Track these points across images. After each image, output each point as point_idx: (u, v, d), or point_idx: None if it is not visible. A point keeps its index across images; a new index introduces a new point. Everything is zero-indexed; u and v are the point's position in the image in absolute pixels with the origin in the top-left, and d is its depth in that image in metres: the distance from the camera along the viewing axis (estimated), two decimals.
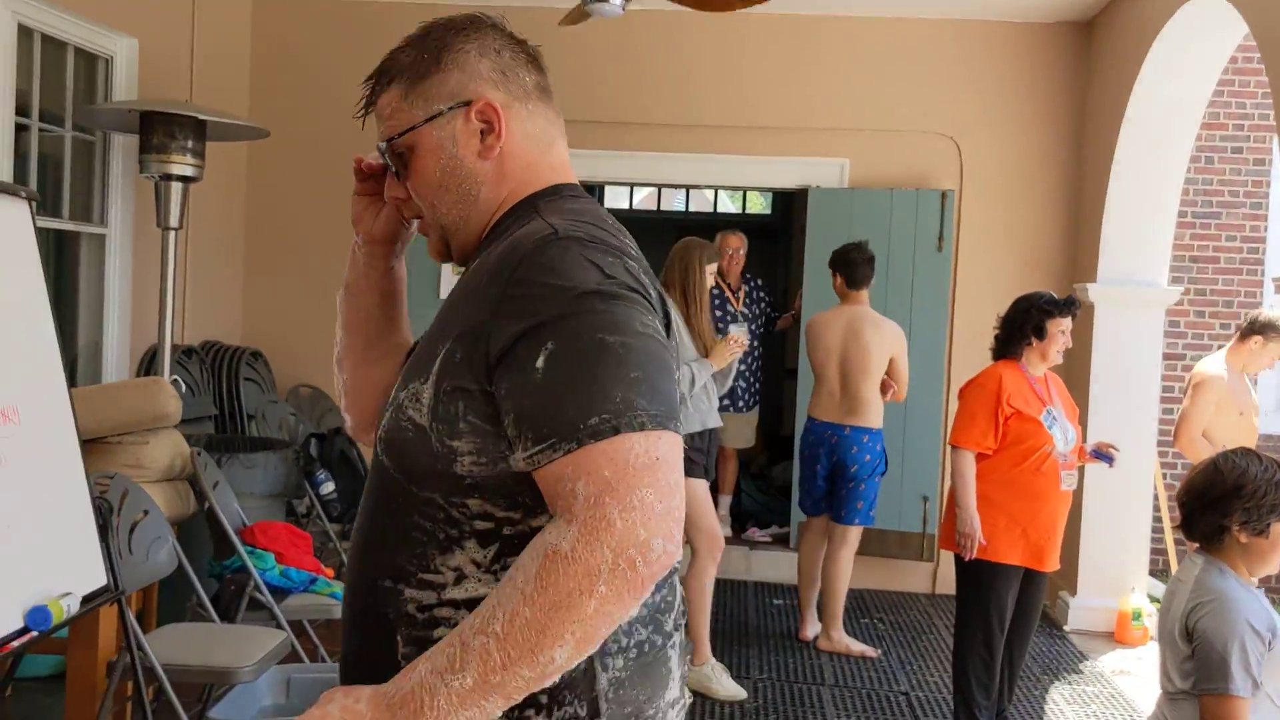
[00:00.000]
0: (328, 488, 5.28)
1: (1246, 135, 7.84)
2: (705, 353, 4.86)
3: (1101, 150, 6.26)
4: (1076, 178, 6.68)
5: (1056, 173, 6.72)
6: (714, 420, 4.89)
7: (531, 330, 1.29)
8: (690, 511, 4.86)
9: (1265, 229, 7.88)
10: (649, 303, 1.38)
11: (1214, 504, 2.54)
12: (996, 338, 4.55)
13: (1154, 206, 6.16)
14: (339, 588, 4.63)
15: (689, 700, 1.54)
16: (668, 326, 1.45)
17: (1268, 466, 2.54)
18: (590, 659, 1.31)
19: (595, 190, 12.00)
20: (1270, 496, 2.51)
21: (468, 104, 1.48)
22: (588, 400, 1.25)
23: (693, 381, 4.77)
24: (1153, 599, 6.19)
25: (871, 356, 5.48)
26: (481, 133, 1.49)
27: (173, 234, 5.29)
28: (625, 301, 1.33)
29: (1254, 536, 2.53)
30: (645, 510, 1.22)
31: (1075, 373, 6.43)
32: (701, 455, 4.85)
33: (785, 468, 7.51)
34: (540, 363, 1.28)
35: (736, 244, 7.17)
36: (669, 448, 1.27)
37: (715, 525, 4.92)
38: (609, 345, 1.28)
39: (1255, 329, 5.42)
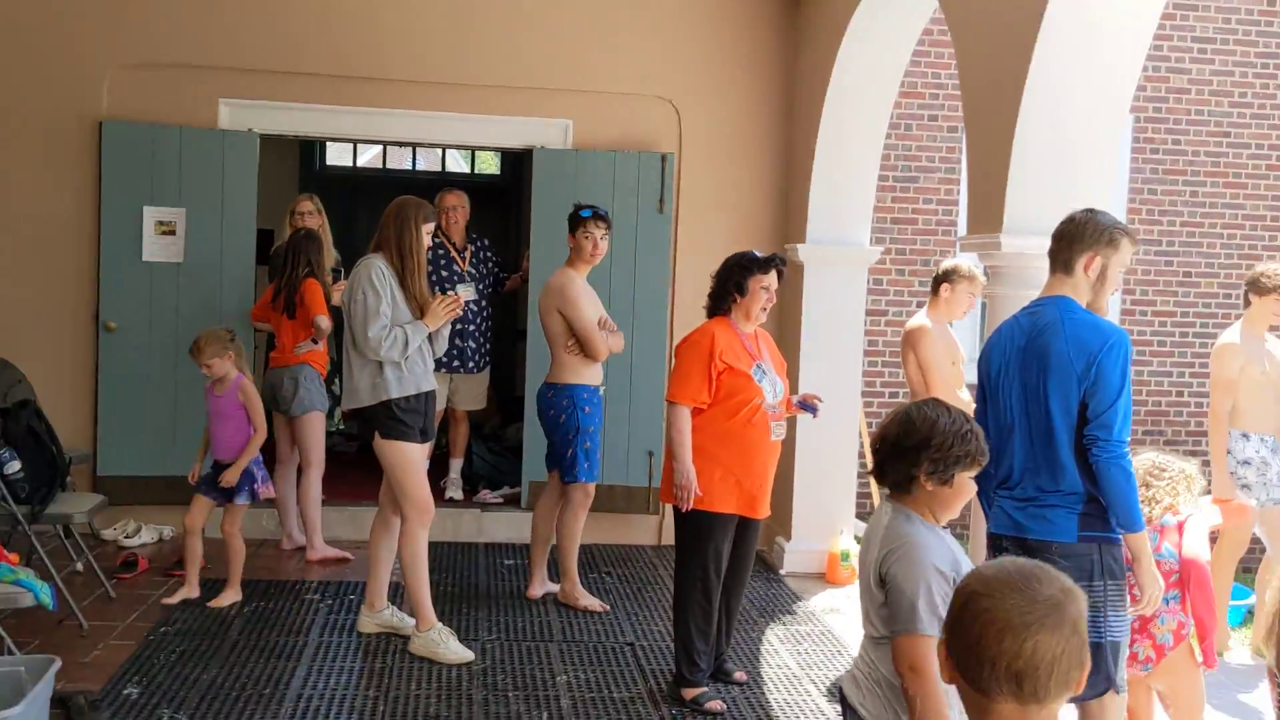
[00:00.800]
0: (13, 467, 4.86)
1: (941, 104, 8.39)
2: (422, 314, 4.77)
3: (809, 116, 6.55)
4: (787, 143, 6.97)
5: (769, 137, 6.99)
6: (429, 383, 4.82)
7: None
8: (399, 476, 4.79)
9: (958, 192, 8.49)
10: None
11: (904, 453, 2.64)
12: (709, 296, 4.70)
13: (857, 171, 6.52)
14: (27, 574, 4.29)
15: None
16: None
17: (956, 419, 2.66)
18: None
19: (316, 147, 11.56)
20: (956, 448, 2.62)
21: None
22: None
23: (406, 344, 4.68)
24: (859, 540, 6.60)
25: (543, 317, 5.59)
26: None
27: None
28: None
29: (940, 485, 2.63)
30: None
31: (788, 328, 6.74)
32: (418, 418, 4.78)
33: (518, 429, 7.52)
34: None
35: (455, 202, 7.07)
36: None
37: (425, 492, 4.85)
38: None
39: (940, 280, 5.81)
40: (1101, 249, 3.44)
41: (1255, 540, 5.99)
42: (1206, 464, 5.96)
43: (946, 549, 2.63)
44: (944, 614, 2.50)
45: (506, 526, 6.93)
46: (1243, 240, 8.48)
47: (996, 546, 3.50)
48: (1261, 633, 2.77)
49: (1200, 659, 3.63)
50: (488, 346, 7.28)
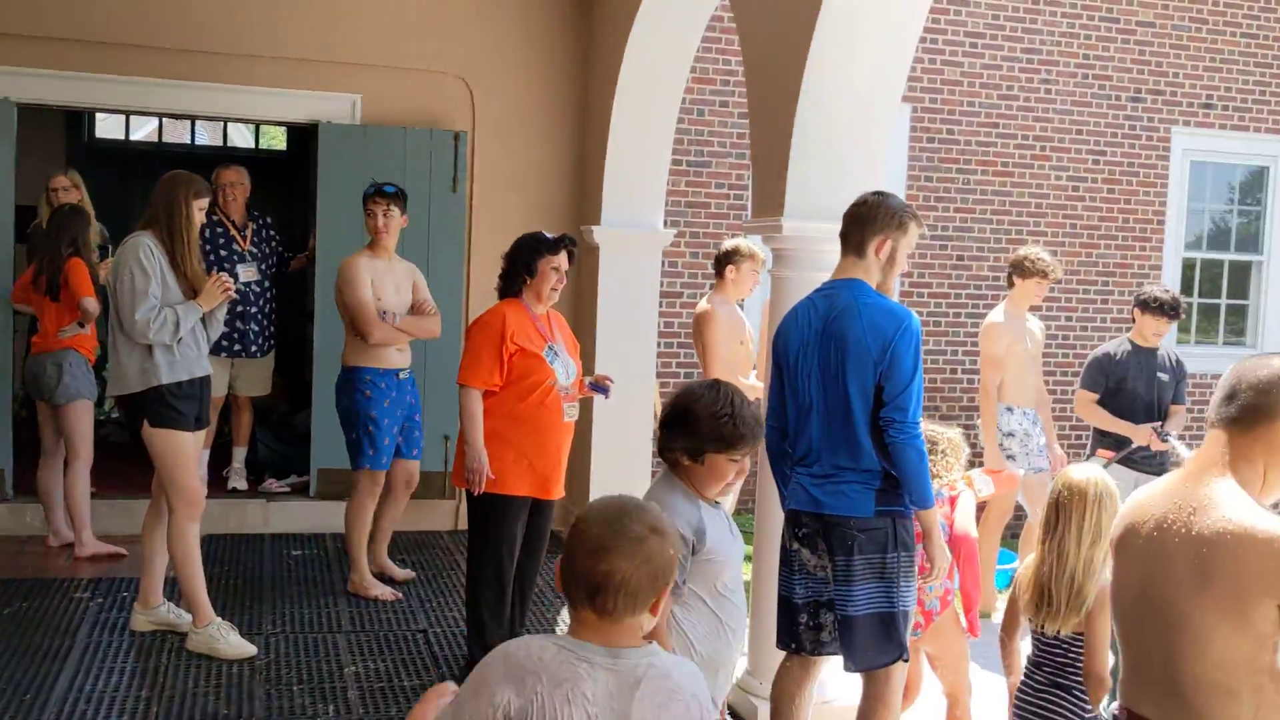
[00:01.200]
0: None
1: (733, 90, 8.54)
2: (195, 295, 4.53)
3: (603, 98, 6.57)
4: (583, 124, 6.96)
5: (565, 118, 6.97)
6: (203, 368, 4.58)
7: None
8: (169, 466, 4.54)
9: (747, 177, 8.68)
10: None
11: (666, 429, 2.72)
12: (500, 277, 4.65)
13: (650, 154, 6.57)
14: None
15: None
16: None
17: (719, 401, 2.70)
18: None
19: (84, 118, 10.85)
20: (708, 428, 2.68)
21: None
22: None
23: (177, 326, 4.43)
24: None
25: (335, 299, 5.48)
26: None
27: None
28: None
29: (692, 463, 2.71)
30: None
31: (584, 310, 6.76)
32: (192, 404, 4.54)
33: (308, 415, 7.27)
34: None
35: (233, 178, 6.76)
36: None
37: (195, 483, 4.62)
38: None
39: (723, 262, 5.92)
40: (892, 232, 3.55)
41: (1019, 507, 6.40)
42: (976, 435, 6.32)
43: (696, 515, 2.70)
44: (681, 577, 2.63)
45: (293, 516, 6.70)
46: (1010, 225, 8.99)
47: (795, 522, 3.59)
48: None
49: (966, 627, 3.84)
50: (272, 329, 7.01)
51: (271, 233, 7.01)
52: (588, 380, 4.85)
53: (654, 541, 1.87)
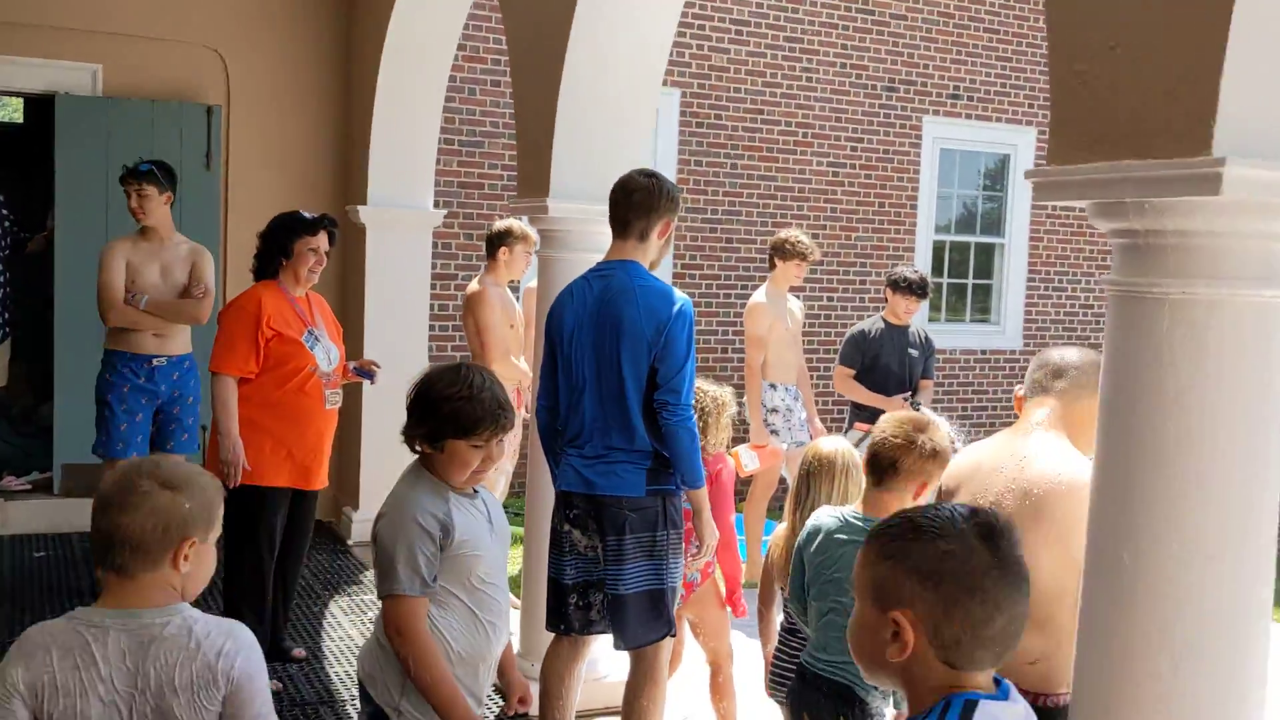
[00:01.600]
0: None
1: (504, 69, 8.43)
2: None
3: (367, 75, 6.38)
4: (346, 100, 6.75)
5: (327, 94, 6.73)
6: None
7: None
8: None
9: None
10: None
11: (408, 414, 2.57)
12: (255, 258, 4.45)
13: (417, 132, 6.44)
14: None
15: None
16: None
17: (457, 383, 2.51)
18: None
19: None
20: (446, 412, 2.48)
21: None
22: None
23: None
24: None
25: None
26: None
27: None
28: None
29: (434, 450, 2.52)
30: None
31: (351, 292, 6.57)
32: None
33: (51, 407, 6.78)
34: None
35: None
36: None
37: None
38: None
39: (495, 243, 5.83)
40: (671, 215, 3.58)
41: (783, 480, 6.63)
42: (744, 411, 6.50)
43: (443, 507, 2.51)
44: (428, 574, 2.47)
45: (35, 515, 6.25)
46: (775, 209, 9.29)
47: (566, 504, 3.57)
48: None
49: (726, 601, 3.95)
50: (8, 315, 6.49)
51: (4, 211, 6.48)
52: (352, 365, 4.71)
53: (162, 496, 1.89)
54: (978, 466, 2.68)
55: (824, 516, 2.96)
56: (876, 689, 2.76)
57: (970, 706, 1.47)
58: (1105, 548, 2.07)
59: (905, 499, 2.83)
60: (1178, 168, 1.91)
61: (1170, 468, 1.98)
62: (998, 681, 1.54)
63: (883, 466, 2.86)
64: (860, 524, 2.84)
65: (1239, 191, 1.85)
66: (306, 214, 4.43)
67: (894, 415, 3.03)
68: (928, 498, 2.87)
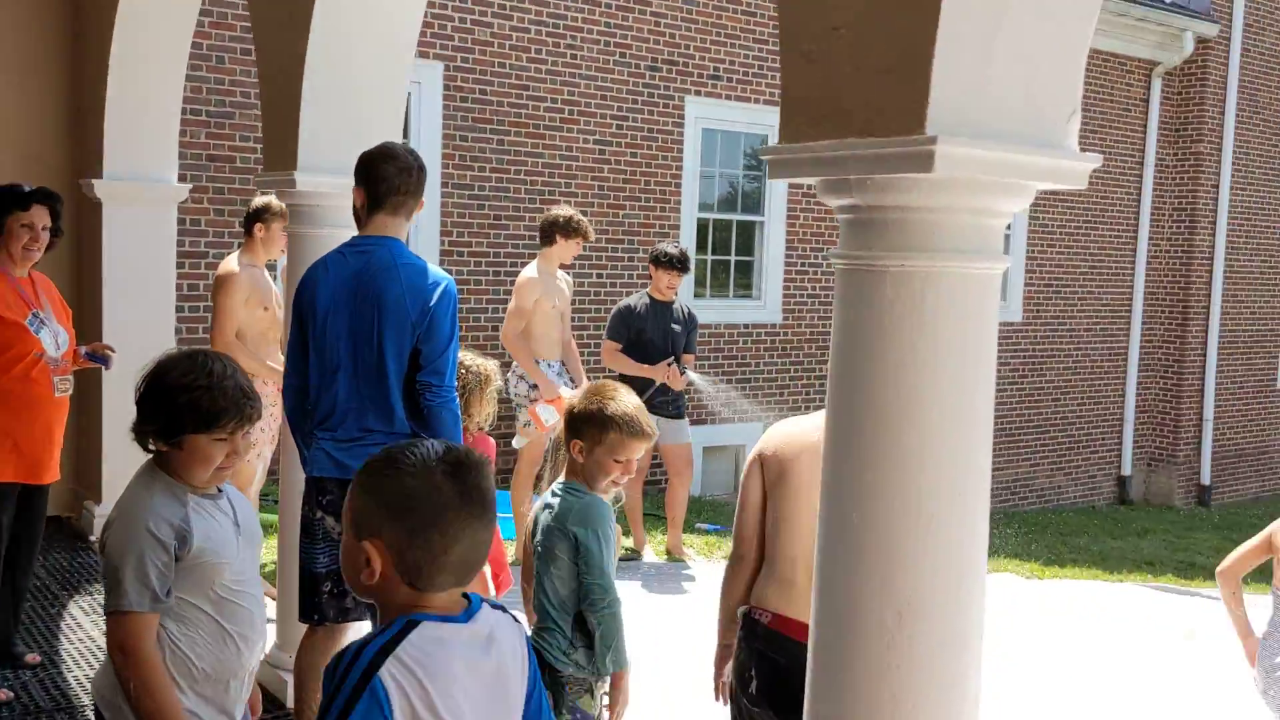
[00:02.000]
0: None
1: (242, 37, 8.08)
2: None
3: (100, 40, 5.95)
4: (77, 68, 6.29)
5: (54, 62, 6.27)
6: None
7: None
8: None
9: None
10: None
11: (138, 407, 2.33)
12: None
13: (157, 102, 6.06)
14: None
15: None
16: None
17: (193, 371, 2.30)
18: None
19: None
20: (183, 403, 2.27)
21: None
22: None
23: None
24: None
25: None
26: None
27: None
28: None
29: (170, 447, 2.31)
30: None
31: (87, 272, 6.15)
32: None
33: None
34: None
35: None
36: None
37: None
38: None
39: (253, 219, 5.56)
40: (422, 190, 3.50)
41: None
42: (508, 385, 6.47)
43: (179, 512, 2.29)
44: (160, 587, 2.23)
45: None
46: (543, 186, 9.27)
47: (319, 489, 3.45)
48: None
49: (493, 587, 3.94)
50: None
51: None
52: (83, 350, 4.40)
53: None
54: (790, 435, 2.86)
55: (547, 494, 2.99)
56: (568, 658, 2.84)
57: (410, 625, 1.65)
58: (836, 509, 2.17)
59: (605, 465, 2.86)
60: (895, 145, 2.00)
61: (893, 433, 2.08)
62: (470, 600, 1.73)
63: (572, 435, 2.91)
64: (560, 496, 2.90)
65: (950, 169, 1.96)
66: (24, 187, 4.10)
67: (586, 385, 3.16)
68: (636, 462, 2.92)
